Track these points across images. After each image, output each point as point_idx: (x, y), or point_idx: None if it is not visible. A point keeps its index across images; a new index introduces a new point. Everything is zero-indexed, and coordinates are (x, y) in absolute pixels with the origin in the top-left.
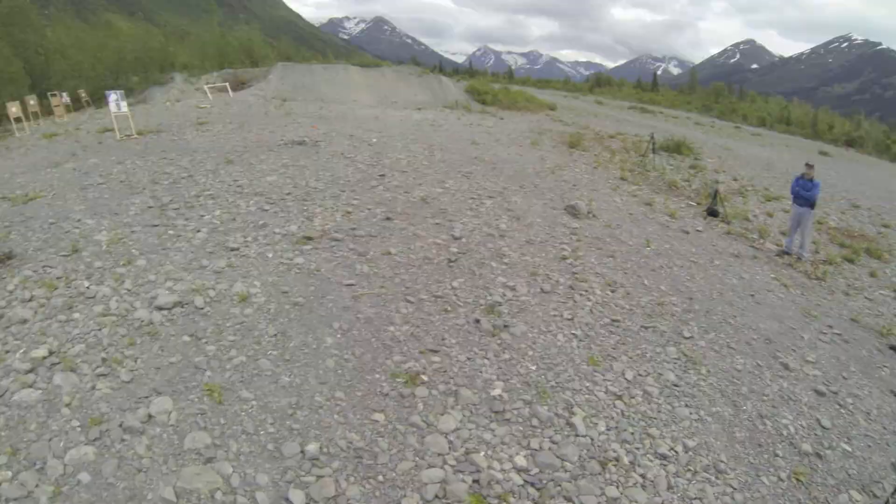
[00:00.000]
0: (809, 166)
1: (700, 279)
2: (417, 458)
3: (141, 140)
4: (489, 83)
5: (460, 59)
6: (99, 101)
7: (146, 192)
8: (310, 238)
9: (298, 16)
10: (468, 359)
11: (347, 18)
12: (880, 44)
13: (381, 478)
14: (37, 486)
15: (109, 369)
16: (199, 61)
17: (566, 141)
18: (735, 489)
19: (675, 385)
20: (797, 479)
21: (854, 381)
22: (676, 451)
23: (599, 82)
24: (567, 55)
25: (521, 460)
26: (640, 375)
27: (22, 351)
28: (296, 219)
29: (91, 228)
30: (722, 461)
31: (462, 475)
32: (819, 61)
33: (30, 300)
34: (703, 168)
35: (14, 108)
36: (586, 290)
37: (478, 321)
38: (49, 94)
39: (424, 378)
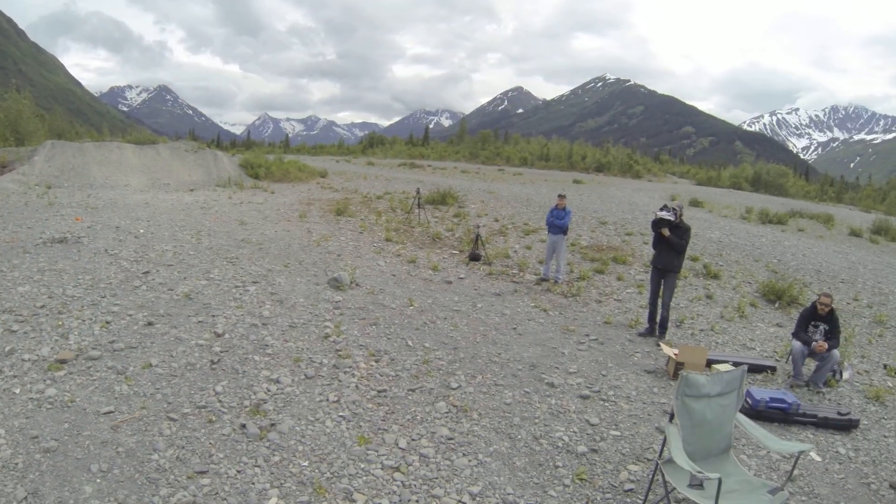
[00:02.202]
0: (561, 197)
1: (463, 326)
2: None
3: None
4: (264, 154)
5: (239, 130)
6: None
7: None
8: (63, 361)
9: (78, 83)
10: (238, 472)
11: (130, 87)
12: (629, 80)
13: None
14: None
15: None
16: None
17: (333, 209)
18: None
19: (450, 438)
20: (580, 480)
21: (613, 375)
22: (463, 503)
23: (372, 143)
24: (344, 117)
25: None
26: (413, 440)
27: None
28: (48, 338)
29: None
30: (509, 493)
31: None
32: (577, 101)
33: None
34: (467, 215)
35: None
36: (350, 367)
37: (244, 426)
38: None
39: None
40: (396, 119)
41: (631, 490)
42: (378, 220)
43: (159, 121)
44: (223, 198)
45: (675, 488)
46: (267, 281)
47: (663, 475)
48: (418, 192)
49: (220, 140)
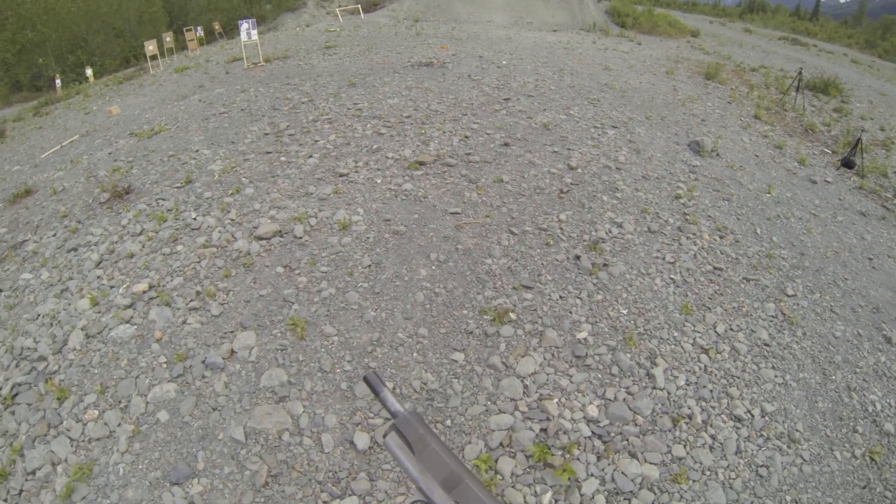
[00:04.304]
0: None
1: (817, 234)
2: (489, 403)
3: (266, 67)
4: (632, 4)
5: None
6: (232, 31)
7: (264, 119)
8: (422, 163)
9: None
10: (560, 297)
11: None
12: None
13: (449, 422)
14: (119, 425)
15: (202, 303)
16: None
17: (703, 71)
18: (805, 461)
19: (766, 344)
20: (871, 458)
21: None
22: (752, 415)
23: (752, 7)
24: None
25: (593, 410)
26: (731, 330)
27: (125, 286)
28: (411, 143)
29: (207, 158)
30: (798, 430)
31: (531, 423)
32: None
33: (139, 234)
34: (849, 112)
35: (151, 47)
36: (694, 234)
37: (578, 257)
38: (185, 28)
39: (512, 316)
40: None
41: None
42: (750, 94)
43: None
44: (587, 41)
45: None
46: (627, 128)
47: None
48: (800, 73)
49: None
